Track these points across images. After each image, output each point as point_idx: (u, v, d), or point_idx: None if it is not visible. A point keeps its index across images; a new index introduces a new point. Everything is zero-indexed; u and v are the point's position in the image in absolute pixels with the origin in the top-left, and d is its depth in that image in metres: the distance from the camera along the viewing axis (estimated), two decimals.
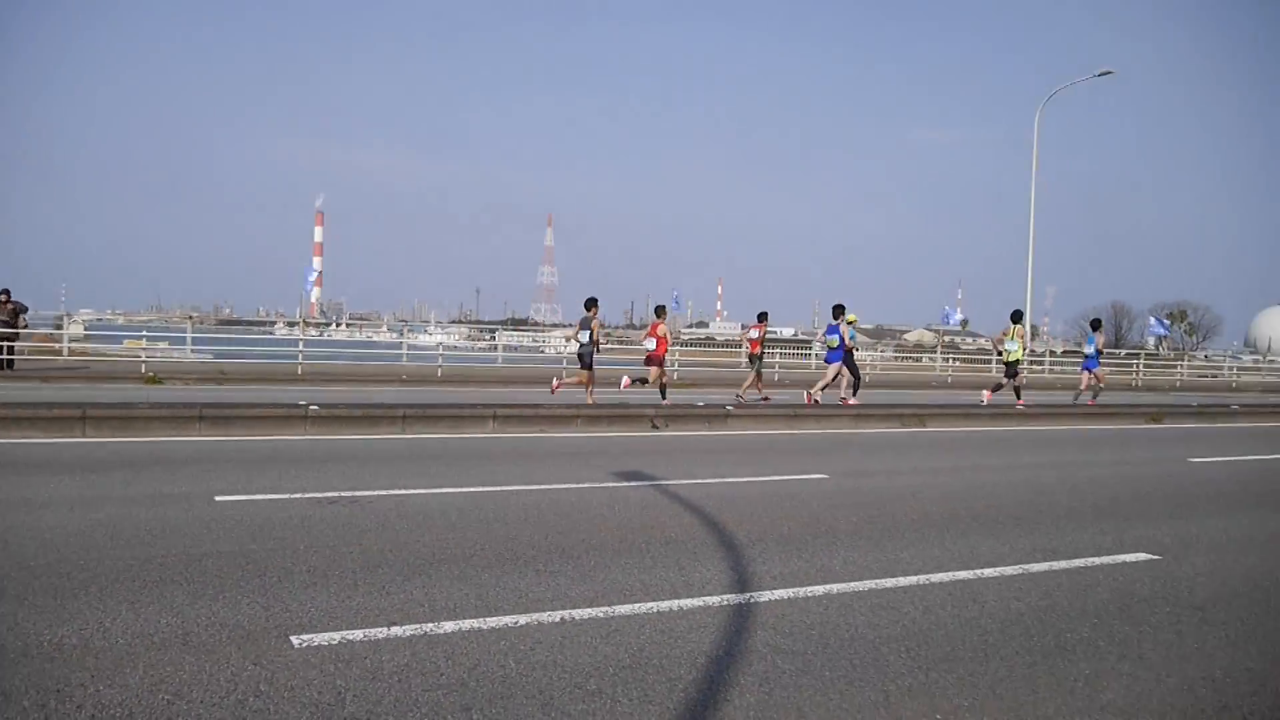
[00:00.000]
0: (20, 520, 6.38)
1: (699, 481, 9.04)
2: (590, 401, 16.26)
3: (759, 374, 19.34)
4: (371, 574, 5.36)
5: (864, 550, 6.44)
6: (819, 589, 5.43)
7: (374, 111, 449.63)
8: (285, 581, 5.15)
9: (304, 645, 4.17)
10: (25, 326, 23.06)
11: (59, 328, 28.09)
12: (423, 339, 51.86)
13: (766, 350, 22.33)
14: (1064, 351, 69.15)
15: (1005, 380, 20.37)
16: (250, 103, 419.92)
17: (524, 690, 3.77)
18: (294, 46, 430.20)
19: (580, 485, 8.56)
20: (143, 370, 21.00)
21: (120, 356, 26.43)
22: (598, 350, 17.45)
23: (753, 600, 5.16)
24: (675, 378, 27.10)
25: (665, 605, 4.99)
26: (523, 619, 4.66)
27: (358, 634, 4.34)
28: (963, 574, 5.92)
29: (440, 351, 27.75)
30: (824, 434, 14.39)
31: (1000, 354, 20.85)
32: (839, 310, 19.02)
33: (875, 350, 56.64)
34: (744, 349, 21.94)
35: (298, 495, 7.56)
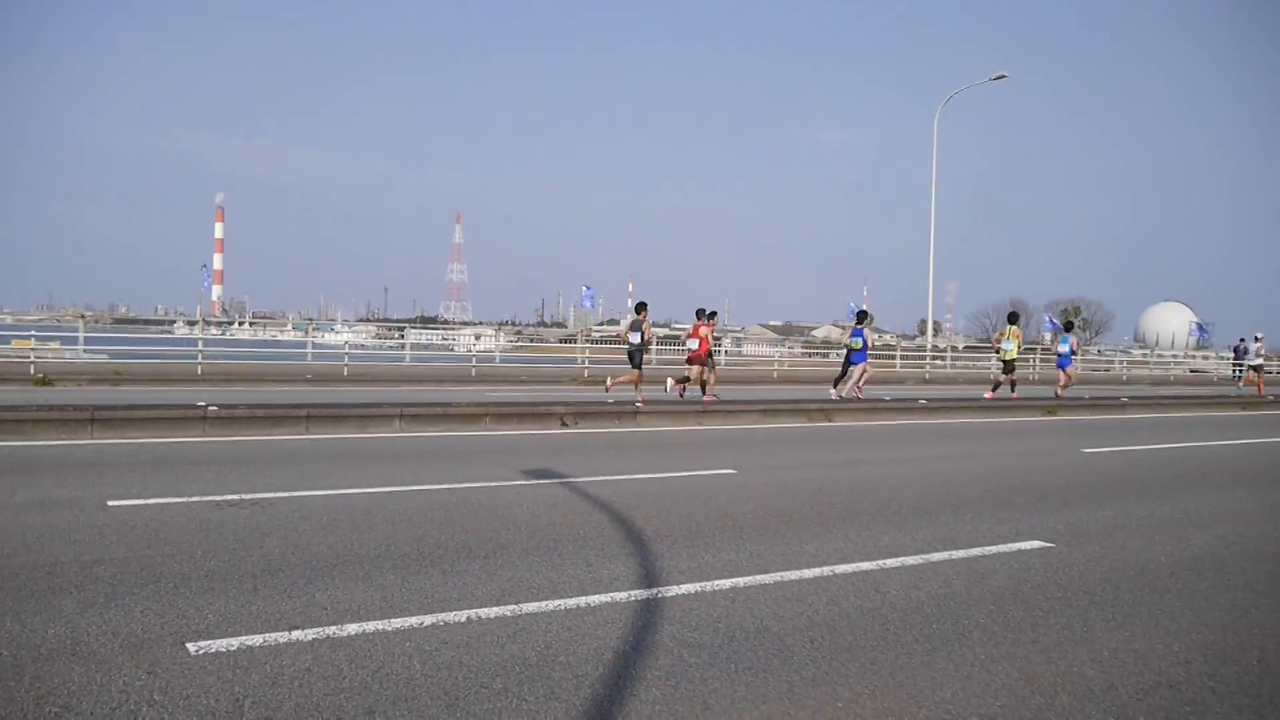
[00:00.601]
0: None
1: (609, 478, 9.05)
2: (639, 398, 16.98)
3: (711, 369, 19.30)
4: (273, 578, 5.25)
5: (770, 543, 6.52)
6: (726, 583, 5.48)
7: (277, 106, 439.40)
8: (182, 587, 5.00)
9: (200, 652, 4.06)
10: None
11: None
12: (329, 338, 50.94)
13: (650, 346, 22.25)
14: (965, 347, 71.06)
15: (1003, 377, 22.12)
16: (147, 95, 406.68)
17: (428, 691, 3.73)
18: (194, 37, 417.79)
19: (489, 484, 8.49)
20: (31, 371, 20.18)
21: (7, 357, 25.34)
22: (647, 350, 18.60)
23: (660, 595, 5.19)
24: (586, 375, 27.11)
25: (573, 602, 4.99)
26: (428, 619, 4.61)
27: (257, 639, 4.24)
28: (866, 565, 6.04)
29: (347, 350, 27.27)
30: (733, 430, 14.54)
31: (999, 352, 22.76)
32: (862, 316, 20.62)
33: (783, 346, 57.32)
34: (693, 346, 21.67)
35: (196, 499, 7.35)
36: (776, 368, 34.83)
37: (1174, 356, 63.21)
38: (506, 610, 4.80)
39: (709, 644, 4.44)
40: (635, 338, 18.34)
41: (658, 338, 38.07)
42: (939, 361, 43.84)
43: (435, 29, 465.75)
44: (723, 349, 37.68)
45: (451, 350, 48.62)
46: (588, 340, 46.91)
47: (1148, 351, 69.14)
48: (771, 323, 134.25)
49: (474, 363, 28.09)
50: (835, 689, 3.96)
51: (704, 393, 18.46)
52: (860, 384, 19.92)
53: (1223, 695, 4.06)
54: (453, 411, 13.29)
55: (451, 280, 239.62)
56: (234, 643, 4.18)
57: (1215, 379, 46.43)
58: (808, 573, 5.77)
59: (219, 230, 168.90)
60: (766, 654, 4.34)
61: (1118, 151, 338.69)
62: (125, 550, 5.72)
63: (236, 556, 5.66)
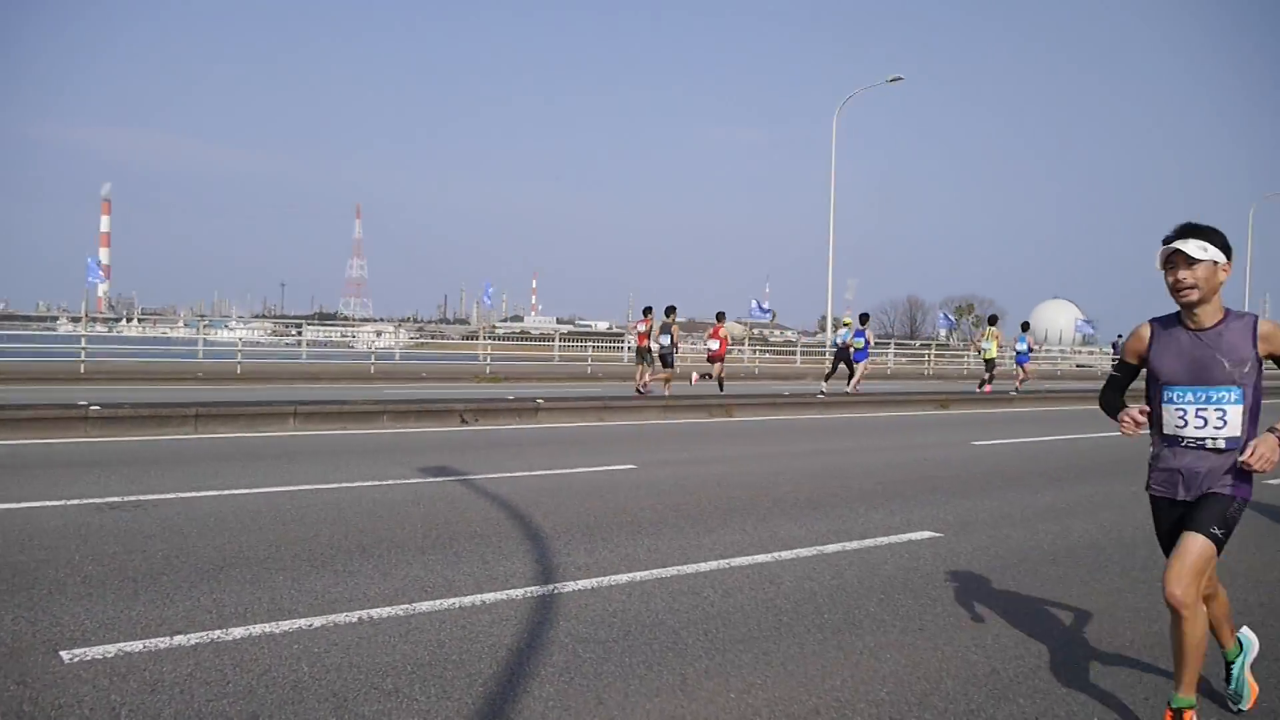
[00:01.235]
0: None
1: (507, 475, 8.98)
2: (666, 392, 19.16)
3: (648, 364, 20.88)
4: (155, 582, 5.07)
5: (668, 538, 6.56)
6: (623, 577, 5.49)
7: (165, 97, 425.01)
8: (57, 594, 4.80)
9: (75, 660, 3.90)
10: None
11: None
12: (223, 335, 49.43)
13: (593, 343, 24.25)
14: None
15: (988, 374, 25.12)
16: (25, 83, 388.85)
17: (315, 694, 3.65)
18: (78, 24, 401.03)
19: (385, 482, 8.35)
20: None
21: None
22: (676, 351, 20.43)
23: (557, 591, 5.18)
24: (489, 371, 26.90)
25: (469, 600, 4.94)
26: (318, 621, 4.52)
27: (136, 645, 4.09)
28: (762, 557, 6.12)
29: (240, 348, 26.53)
30: (633, 425, 14.58)
31: (979, 352, 25.70)
32: (865, 318, 23.27)
33: (687, 343, 57.72)
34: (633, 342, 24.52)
35: (75, 502, 7.06)
36: (682, 365, 35.01)
37: (1061, 351, 65.59)
38: (399, 610, 4.73)
39: (604, 639, 4.44)
40: (665, 339, 20.15)
41: (561, 335, 37.99)
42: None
43: (335, 17, 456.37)
44: (625, 345, 37.77)
45: (352, 347, 47.70)
46: (491, 337, 46.58)
47: (1037, 347, 71.62)
48: (678, 320, 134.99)
49: (373, 360, 27.62)
50: (728, 680, 4.00)
51: (720, 387, 20.72)
52: (859, 379, 22.76)
53: (1098, 675, 4.22)
54: (349, 409, 13.04)
55: (351, 276, 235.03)
56: (111, 649, 4.03)
57: (1100, 374, 48.24)
58: (704, 566, 5.82)
59: (105, 224, 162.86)
60: (661, 647, 4.36)
61: (1010, 152, 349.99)
62: None
63: (117, 561, 5.46)
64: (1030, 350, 26.70)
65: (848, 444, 13.06)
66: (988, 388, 24.88)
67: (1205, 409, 3.52)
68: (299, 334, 39.45)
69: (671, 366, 20.21)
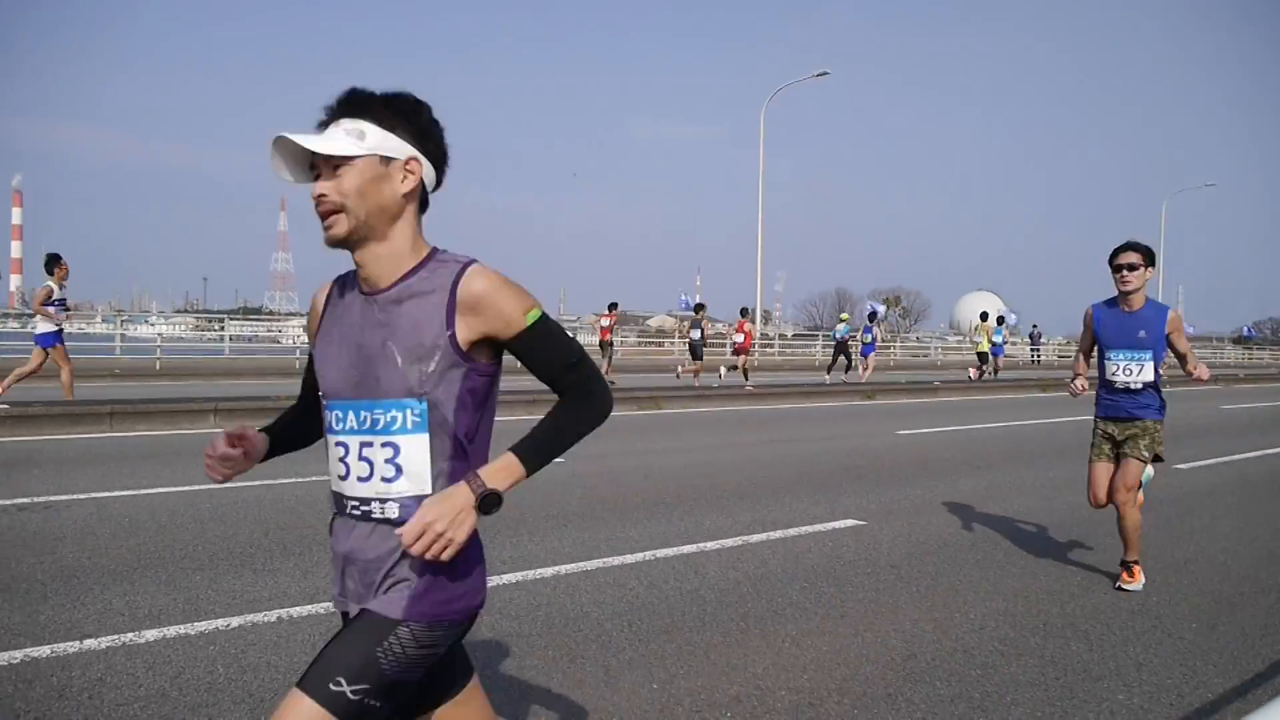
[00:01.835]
0: None
1: None
2: (696, 384, 20.87)
3: (607, 357, 22.24)
4: (65, 585, 4.94)
5: (594, 530, 6.57)
6: (548, 571, 5.49)
7: (80, 85, 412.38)
8: None
9: None
10: None
11: None
12: (143, 330, 48.14)
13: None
14: (794, 335, 73.32)
15: (980, 365, 27.90)
16: None
17: (231, 695, 3.59)
18: None
19: (308, 479, 8.22)
20: None
21: None
22: (705, 345, 22.63)
23: None
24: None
25: None
26: (236, 621, 4.44)
27: (44, 650, 3.98)
28: (687, 548, 6.16)
29: (159, 343, 25.90)
30: None
31: (974, 345, 29.01)
32: (873, 316, 27.20)
33: (615, 336, 57.79)
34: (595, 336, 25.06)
35: None
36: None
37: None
38: (320, 608, 4.67)
39: (528, 632, 4.43)
40: (696, 334, 22.53)
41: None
42: (768, 349, 45.03)
43: (254, 4, 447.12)
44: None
45: (278, 342, 46.82)
46: None
47: (961, 338, 73.00)
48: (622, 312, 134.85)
49: (298, 354, 27.15)
50: (651, 670, 4.02)
51: (745, 377, 22.24)
52: (870, 370, 25.70)
53: (1010, 657, 4.33)
54: (272, 405, 12.79)
55: (276, 270, 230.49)
56: (16, 655, 3.91)
57: (1020, 363, 49.36)
58: (629, 558, 5.84)
59: (17, 215, 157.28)
60: (585, 639, 4.36)
61: (935, 145, 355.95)
62: None
63: (25, 565, 5.30)
64: (1006, 342, 30.03)
65: (776, 435, 13.18)
66: (973, 371, 27.81)
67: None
68: (222, 329, 38.59)
69: (700, 358, 22.12)
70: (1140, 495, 5.76)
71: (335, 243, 1.90)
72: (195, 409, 12.25)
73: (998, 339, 29.02)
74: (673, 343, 45.72)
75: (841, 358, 25.27)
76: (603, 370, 21.24)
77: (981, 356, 28.29)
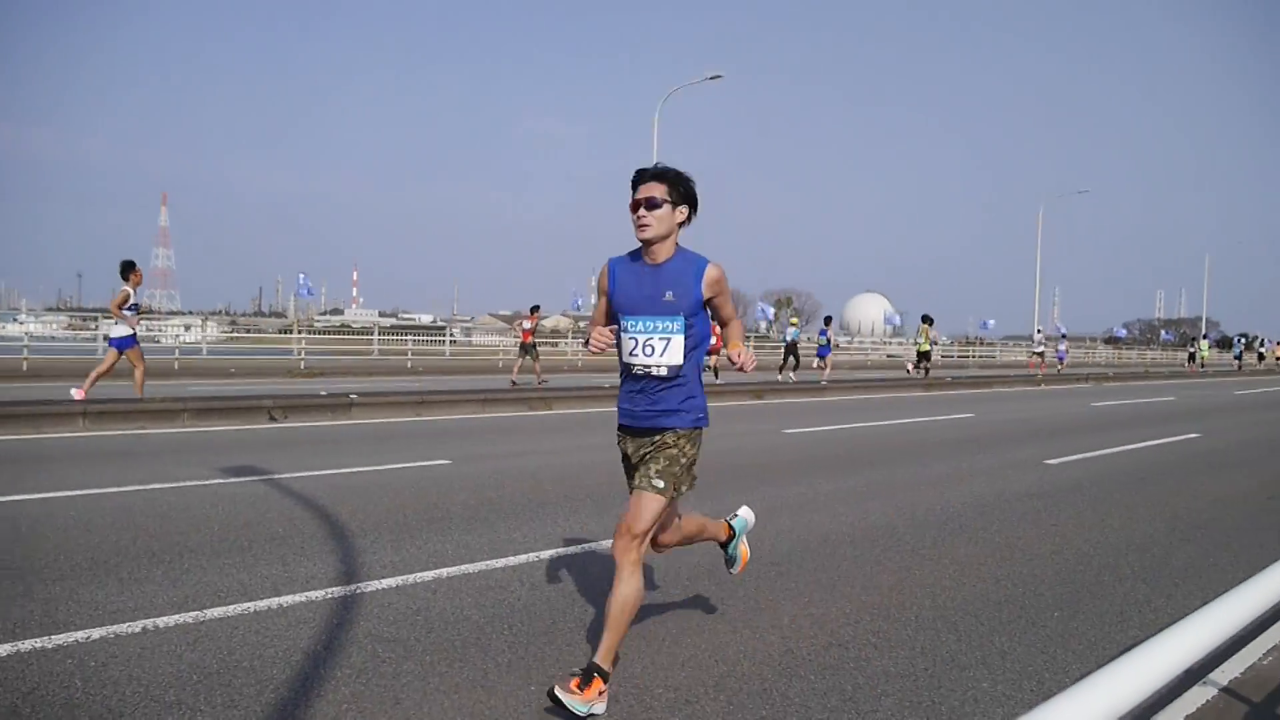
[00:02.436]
0: None
1: (316, 473, 8.71)
2: None
3: (532, 358, 22.87)
4: None
5: (479, 533, 6.51)
6: (429, 574, 5.42)
7: None
8: None
9: None
10: None
11: None
12: (10, 328, 45.86)
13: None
14: None
15: (919, 363, 30.69)
16: None
17: (89, 710, 3.45)
18: None
19: (181, 484, 7.95)
20: None
21: None
22: None
23: (359, 591, 5.06)
24: (303, 367, 26.00)
25: (264, 604, 4.76)
26: (97, 633, 4.26)
27: None
28: (572, 549, 6.15)
29: (27, 342, 24.74)
30: (450, 420, 14.38)
31: (916, 345, 31.60)
32: (828, 320, 30.50)
33: (509, 336, 57.42)
34: (517, 338, 25.45)
35: None
36: (502, 358, 34.82)
37: (873, 343, 68.70)
38: (188, 617, 4.52)
39: (406, 638, 4.37)
40: None
41: (382, 328, 37.08)
42: None
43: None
44: (447, 338, 37.28)
45: (157, 342, 45.13)
46: (308, 330, 45.05)
47: (850, 338, 74.74)
48: (501, 312, 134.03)
49: (177, 355, 26.25)
50: (529, 672, 4.01)
51: (715, 376, 25.28)
52: (829, 370, 28.63)
53: (882, 649, 4.44)
54: (145, 407, 12.35)
55: (156, 266, 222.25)
56: None
57: (909, 366, 50.68)
58: (513, 560, 5.81)
59: None
60: (464, 643, 4.32)
61: (826, 150, 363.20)
62: None
63: None
64: (831, 344, 30.53)
65: None
66: (910, 367, 31.47)
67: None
68: (96, 327, 37.02)
69: None
70: (744, 551, 4.77)
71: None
72: (64, 411, 11.73)
73: (823, 339, 30.27)
74: (567, 343, 45.55)
75: (791, 358, 27.77)
76: (531, 369, 22.41)
77: (922, 355, 30.66)
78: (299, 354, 28.60)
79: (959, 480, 9.61)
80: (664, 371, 3.78)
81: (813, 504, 8.03)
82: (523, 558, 5.88)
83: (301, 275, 30.58)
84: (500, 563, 5.74)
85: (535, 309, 23.85)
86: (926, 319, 30.79)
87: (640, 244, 3.82)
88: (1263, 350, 65.16)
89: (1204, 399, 26.06)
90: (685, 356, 3.79)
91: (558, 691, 3.47)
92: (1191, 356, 53.75)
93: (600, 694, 3.54)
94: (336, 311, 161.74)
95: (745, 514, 4.90)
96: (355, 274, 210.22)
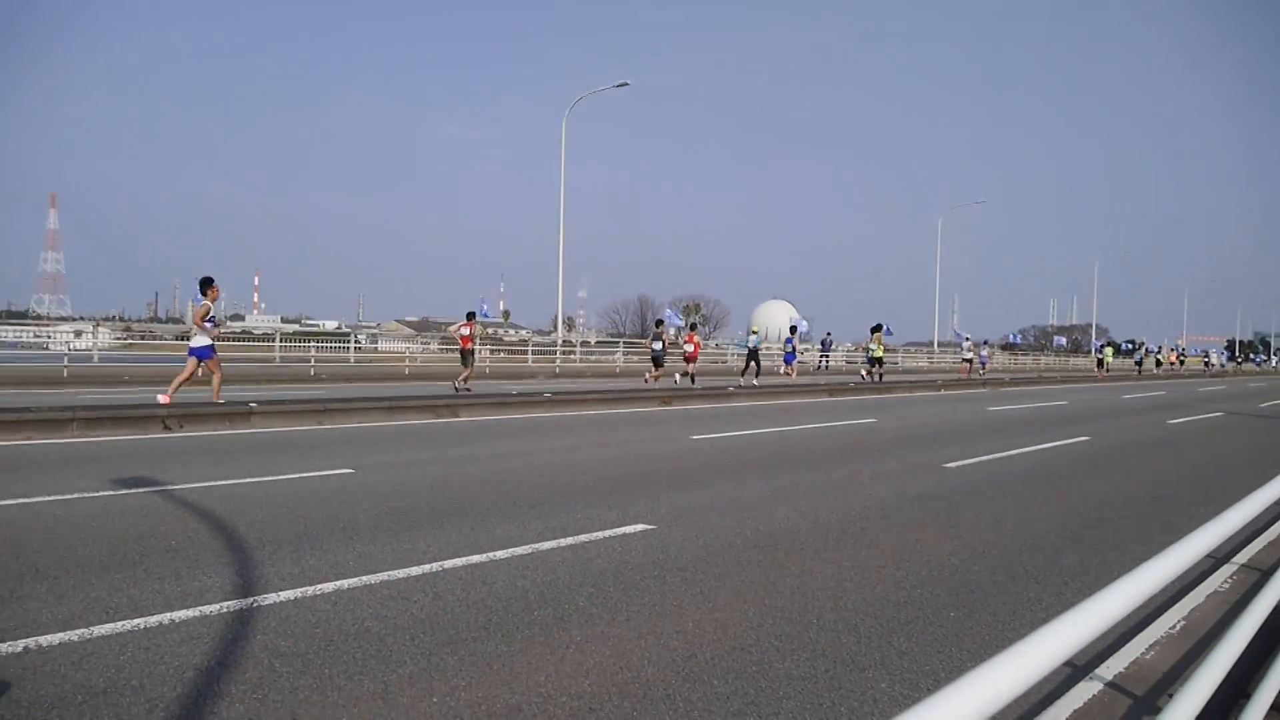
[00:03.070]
0: None
1: (213, 484, 8.47)
2: (655, 384, 25.72)
3: (469, 365, 23.72)
4: None
5: (382, 543, 6.41)
6: (329, 586, 5.31)
7: None
8: None
9: None
10: None
11: None
12: None
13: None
14: (598, 342, 73.95)
15: (871, 368, 33.11)
16: None
17: None
18: None
19: (69, 496, 7.65)
20: None
21: None
22: (666, 355, 27.71)
23: (257, 604, 4.94)
24: (202, 373, 25.23)
25: (155, 620, 4.61)
26: None
27: None
28: (476, 558, 6.09)
29: None
30: (355, 428, 14.13)
31: (868, 351, 34.27)
32: (794, 329, 34.75)
33: (415, 342, 56.71)
34: (457, 344, 25.62)
35: None
36: (408, 364, 34.36)
37: (780, 350, 69.44)
38: (74, 635, 4.35)
39: (304, 651, 4.28)
40: (657, 345, 27.54)
41: (284, 334, 36.29)
42: (570, 356, 45.21)
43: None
44: (352, 345, 36.63)
45: (46, 349, 43.35)
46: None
47: (761, 344, 75.46)
48: (408, 318, 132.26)
49: (66, 362, 25.27)
50: (432, 683, 3.96)
51: (692, 381, 27.12)
52: (794, 375, 32.53)
53: (784, 652, 4.50)
54: (32, 417, 11.85)
55: (45, 271, 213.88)
56: None
57: (812, 369, 51.46)
58: (416, 570, 5.73)
59: None
60: (365, 656, 4.25)
61: (732, 158, 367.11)
62: None
63: None
64: (796, 351, 33.97)
65: (571, 441, 13.24)
66: (864, 372, 33.54)
67: None
68: None
69: (661, 365, 27.28)
70: None
71: None
72: None
73: (788, 347, 33.54)
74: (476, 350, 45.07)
75: (753, 364, 29.65)
76: (462, 376, 22.92)
77: (877, 361, 33.25)
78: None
79: (861, 484, 9.80)
80: None
81: (718, 509, 8.10)
82: (427, 567, 5.80)
83: (199, 281, 29.57)
84: (403, 573, 5.66)
85: (471, 316, 24.71)
86: (878, 327, 33.59)
87: None
88: (1159, 356, 71.15)
89: (1094, 403, 27.05)
90: None
91: None
92: (1100, 363, 58.29)
93: None
94: (237, 318, 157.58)
95: None
96: (257, 279, 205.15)
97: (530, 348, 42.26)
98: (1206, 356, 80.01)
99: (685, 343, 29.03)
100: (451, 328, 27.59)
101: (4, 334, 48.95)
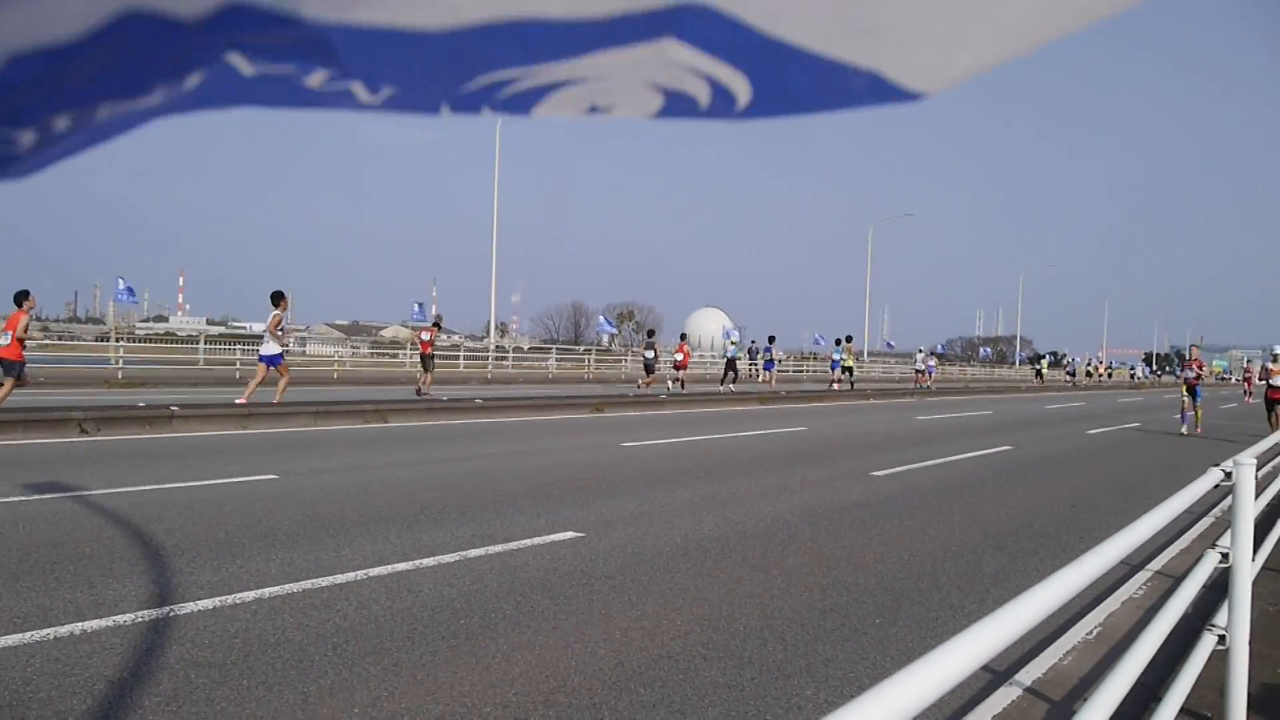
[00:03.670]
0: None
1: (130, 489, 8.24)
2: (647, 390, 27.33)
3: (429, 370, 23.05)
4: None
5: (305, 550, 6.29)
6: (250, 595, 5.20)
7: None
8: None
9: None
10: None
11: None
12: None
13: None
14: (531, 349, 73.71)
15: (844, 377, 34.60)
16: None
17: None
18: None
19: (9, 500, 7.40)
20: None
21: None
22: (657, 361, 29.33)
23: (173, 614, 4.81)
24: (121, 377, 24.61)
25: (67, 630, 4.47)
26: None
27: None
28: (402, 566, 6.01)
29: None
30: (281, 433, 13.87)
31: (841, 359, 35.15)
32: (772, 339, 34.69)
33: (345, 346, 55.96)
34: (416, 349, 25.92)
35: None
36: (337, 368, 33.88)
37: (714, 357, 69.85)
38: (22, 637, 4.20)
39: (222, 662, 4.18)
40: (649, 354, 29.24)
41: (209, 336, 35.57)
42: (502, 362, 44.94)
43: None
44: (299, 347, 35.94)
45: None
46: (128, 338, 42.71)
47: (694, 351, 75.86)
48: (338, 322, 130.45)
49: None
50: (354, 694, 3.89)
51: (682, 387, 28.97)
52: (774, 382, 34.40)
53: (711, 660, 4.51)
54: None
55: None
56: None
57: (746, 376, 51.82)
58: (340, 578, 5.63)
59: None
60: (284, 666, 4.16)
61: (665, 164, 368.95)
62: None
63: None
64: (775, 360, 35.74)
65: (501, 448, 13.16)
66: (836, 385, 34.42)
67: None
68: None
69: (652, 372, 28.83)
70: None
71: None
72: None
73: (838, 355, 35.30)
74: (407, 354, 44.64)
75: (731, 373, 31.72)
76: (423, 382, 22.42)
77: (846, 369, 34.96)
78: (117, 363, 27.03)
79: (790, 491, 9.88)
80: None
81: (648, 516, 8.10)
82: (351, 576, 5.71)
83: (121, 280, 28.88)
84: (326, 581, 5.56)
85: (437, 322, 26.79)
86: (848, 339, 35.60)
87: None
88: (1089, 368, 77.00)
89: (1018, 413, 27.65)
90: None
91: None
92: (1038, 373, 62.91)
93: None
94: (161, 319, 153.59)
95: None
96: (181, 280, 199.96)
97: (462, 353, 41.86)
98: (1133, 369, 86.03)
99: (676, 352, 30.75)
100: (415, 333, 28.89)
101: None
